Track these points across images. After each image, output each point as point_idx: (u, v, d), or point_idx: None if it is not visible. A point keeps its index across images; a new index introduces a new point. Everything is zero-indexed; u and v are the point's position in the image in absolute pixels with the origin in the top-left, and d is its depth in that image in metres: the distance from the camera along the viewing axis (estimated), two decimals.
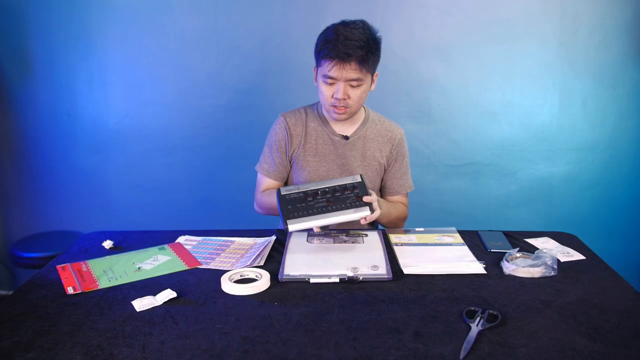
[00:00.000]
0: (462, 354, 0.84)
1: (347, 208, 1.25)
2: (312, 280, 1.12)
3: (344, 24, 1.34)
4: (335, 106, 1.37)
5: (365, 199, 1.27)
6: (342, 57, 1.28)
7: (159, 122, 2.35)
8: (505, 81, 2.24)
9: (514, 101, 2.26)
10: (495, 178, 2.35)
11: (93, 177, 2.43)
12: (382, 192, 1.60)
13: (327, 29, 1.36)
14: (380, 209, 1.36)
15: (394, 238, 1.39)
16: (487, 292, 1.08)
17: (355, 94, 1.35)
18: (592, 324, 0.94)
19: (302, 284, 1.12)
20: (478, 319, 0.94)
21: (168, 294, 1.04)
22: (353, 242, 1.34)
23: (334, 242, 1.34)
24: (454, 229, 1.46)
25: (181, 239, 1.42)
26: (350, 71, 1.30)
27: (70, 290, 1.08)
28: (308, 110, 1.53)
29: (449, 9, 2.16)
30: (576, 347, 0.87)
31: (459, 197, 2.38)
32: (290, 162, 1.53)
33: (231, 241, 1.40)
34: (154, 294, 1.05)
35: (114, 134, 2.37)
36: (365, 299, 1.05)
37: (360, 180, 1.33)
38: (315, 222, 1.24)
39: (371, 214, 1.25)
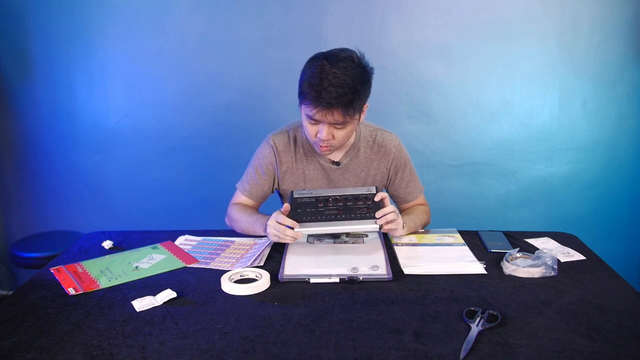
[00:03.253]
0: (462, 354, 0.84)
1: (357, 219, 1.24)
2: (312, 280, 1.12)
3: (331, 61, 1.21)
4: (319, 144, 1.31)
5: (388, 226, 1.26)
6: (325, 106, 1.20)
7: (159, 122, 2.35)
8: (505, 81, 2.24)
9: (514, 101, 2.26)
10: (495, 178, 2.35)
11: (93, 177, 2.43)
12: (395, 203, 1.56)
13: (312, 65, 1.24)
14: (406, 225, 1.36)
15: (394, 238, 1.39)
16: (487, 292, 1.08)
17: (340, 134, 1.28)
18: (592, 324, 0.94)
19: (302, 284, 1.12)
20: (478, 319, 0.94)
21: (168, 294, 1.04)
22: (353, 242, 1.34)
23: (334, 243, 1.34)
24: (454, 229, 1.45)
25: (181, 239, 1.42)
26: (334, 117, 1.23)
27: (71, 291, 1.08)
28: (297, 133, 1.45)
29: (449, 9, 2.16)
30: (576, 347, 0.87)
31: (459, 197, 2.38)
32: (281, 187, 1.49)
33: (231, 241, 1.40)
34: (154, 294, 1.05)
35: (114, 134, 2.37)
36: (365, 299, 1.05)
37: (374, 192, 1.31)
38: (322, 229, 1.24)
39: (379, 229, 1.25)
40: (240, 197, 1.52)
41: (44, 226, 2.49)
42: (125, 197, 2.45)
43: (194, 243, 1.39)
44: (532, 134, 2.29)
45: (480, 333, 0.90)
